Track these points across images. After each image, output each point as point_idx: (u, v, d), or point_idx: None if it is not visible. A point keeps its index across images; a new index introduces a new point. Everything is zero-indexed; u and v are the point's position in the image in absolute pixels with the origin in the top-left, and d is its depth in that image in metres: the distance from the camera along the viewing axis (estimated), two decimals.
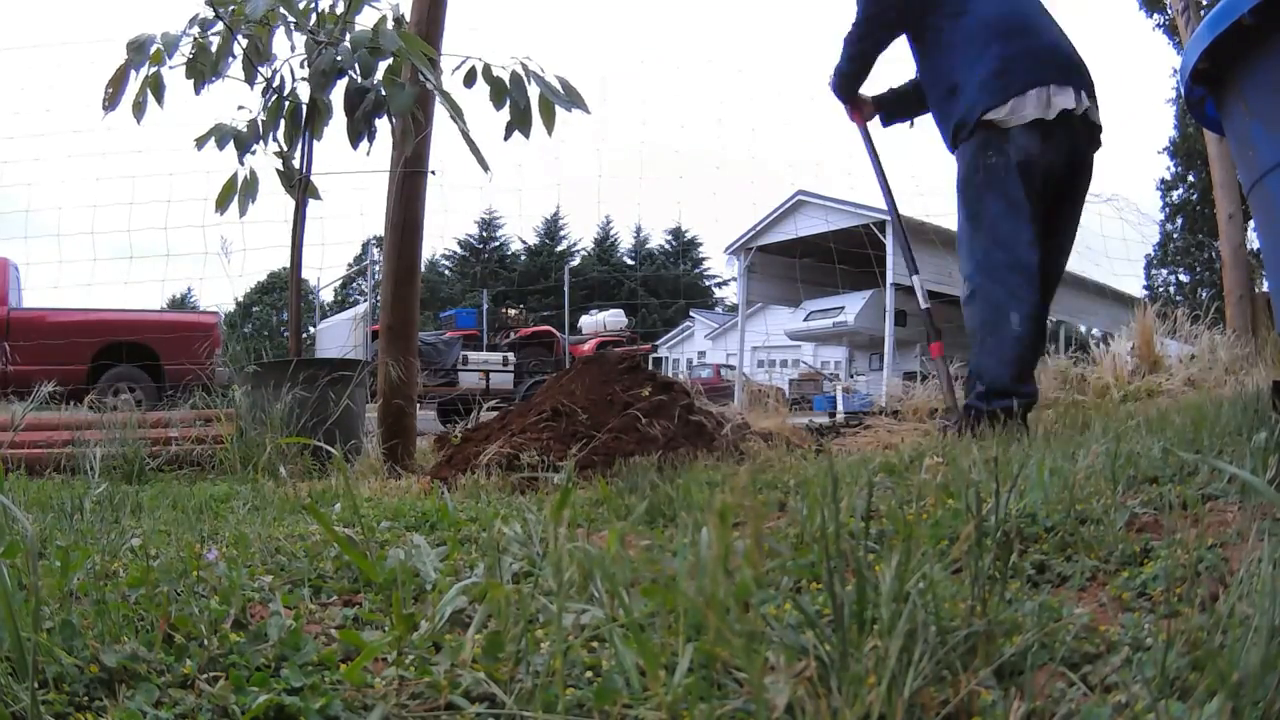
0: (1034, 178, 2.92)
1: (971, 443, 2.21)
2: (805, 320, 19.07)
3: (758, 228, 17.44)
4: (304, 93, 4.00)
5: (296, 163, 4.08)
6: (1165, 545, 1.11)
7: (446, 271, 42.53)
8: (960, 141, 3.06)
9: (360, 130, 3.90)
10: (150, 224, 6.32)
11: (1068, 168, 2.99)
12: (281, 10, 3.75)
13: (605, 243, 46.39)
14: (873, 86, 3.60)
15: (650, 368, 5.40)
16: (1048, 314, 3.10)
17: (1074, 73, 2.97)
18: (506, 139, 3.80)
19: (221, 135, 3.94)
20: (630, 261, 45.92)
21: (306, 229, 4.14)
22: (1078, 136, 2.97)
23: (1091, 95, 2.98)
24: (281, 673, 0.88)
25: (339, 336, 12.56)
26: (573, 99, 3.76)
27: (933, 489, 1.43)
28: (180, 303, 24.44)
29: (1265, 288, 5.89)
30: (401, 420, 4.00)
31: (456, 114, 3.61)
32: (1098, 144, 3.07)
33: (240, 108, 4.03)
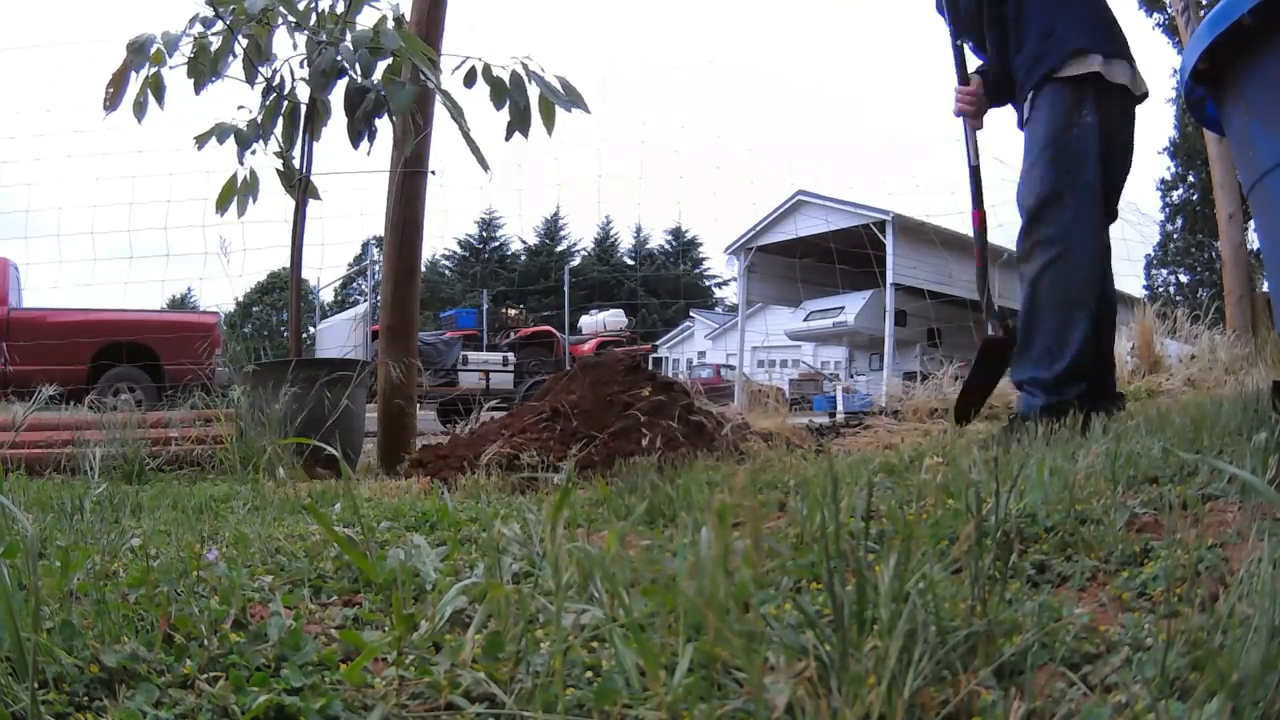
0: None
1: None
2: (805, 320, 19.07)
3: (758, 228, 17.44)
4: (304, 93, 4.01)
5: (296, 163, 4.08)
6: (1165, 545, 1.11)
7: (446, 271, 42.52)
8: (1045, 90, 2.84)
9: (360, 130, 3.90)
10: (150, 224, 6.33)
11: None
12: (281, 9, 3.76)
13: (605, 243, 46.39)
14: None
15: (650, 368, 5.40)
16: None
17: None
18: (508, 139, 3.80)
19: (223, 133, 3.94)
20: (630, 261, 45.92)
21: (306, 229, 4.15)
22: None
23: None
24: (281, 673, 0.88)
25: (339, 336, 12.56)
26: (573, 99, 3.77)
27: (933, 489, 1.43)
28: (180, 303, 24.44)
29: (1265, 288, 5.89)
30: (401, 420, 4.00)
31: (457, 114, 3.62)
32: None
33: (240, 107, 4.03)
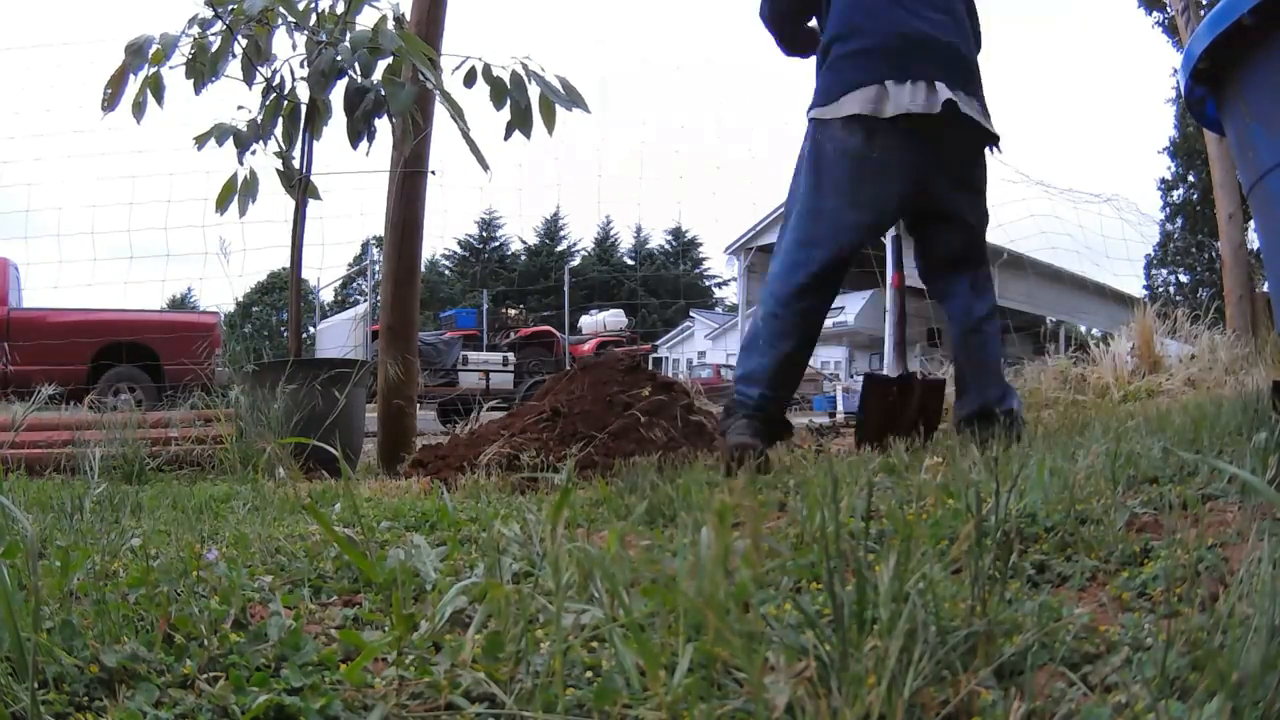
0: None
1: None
2: None
3: (758, 228, 17.44)
4: (304, 93, 4.00)
5: (296, 163, 4.08)
6: (1165, 545, 1.11)
7: (446, 271, 42.52)
8: None
9: (360, 130, 3.90)
10: (150, 224, 6.31)
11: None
12: (281, 10, 3.75)
13: (605, 243, 46.38)
14: None
15: (650, 368, 5.40)
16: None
17: (928, 64, 2.68)
18: (507, 139, 3.80)
19: (222, 134, 3.94)
20: (630, 261, 45.91)
21: (306, 229, 4.15)
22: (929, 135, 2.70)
23: (957, 85, 2.70)
24: (281, 673, 0.88)
25: (339, 336, 12.56)
26: (573, 99, 3.77)
27: (933, 489, 1.43)
28: (180, 303, 24.45)
29: (1265, 288, 5.89)
30: (401, 420, 4.00)
31: (457, 114, 3.62)
32: (976, 138, 2.79)
33: (240, 108, 4.03)
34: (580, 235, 49.21)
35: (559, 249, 43.94)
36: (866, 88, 2.70)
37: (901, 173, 2.74)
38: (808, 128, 2.85)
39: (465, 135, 3.61)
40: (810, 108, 2.84)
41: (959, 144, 2.80)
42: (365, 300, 13.13)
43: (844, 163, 2.74)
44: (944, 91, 2.67)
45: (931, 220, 2.92)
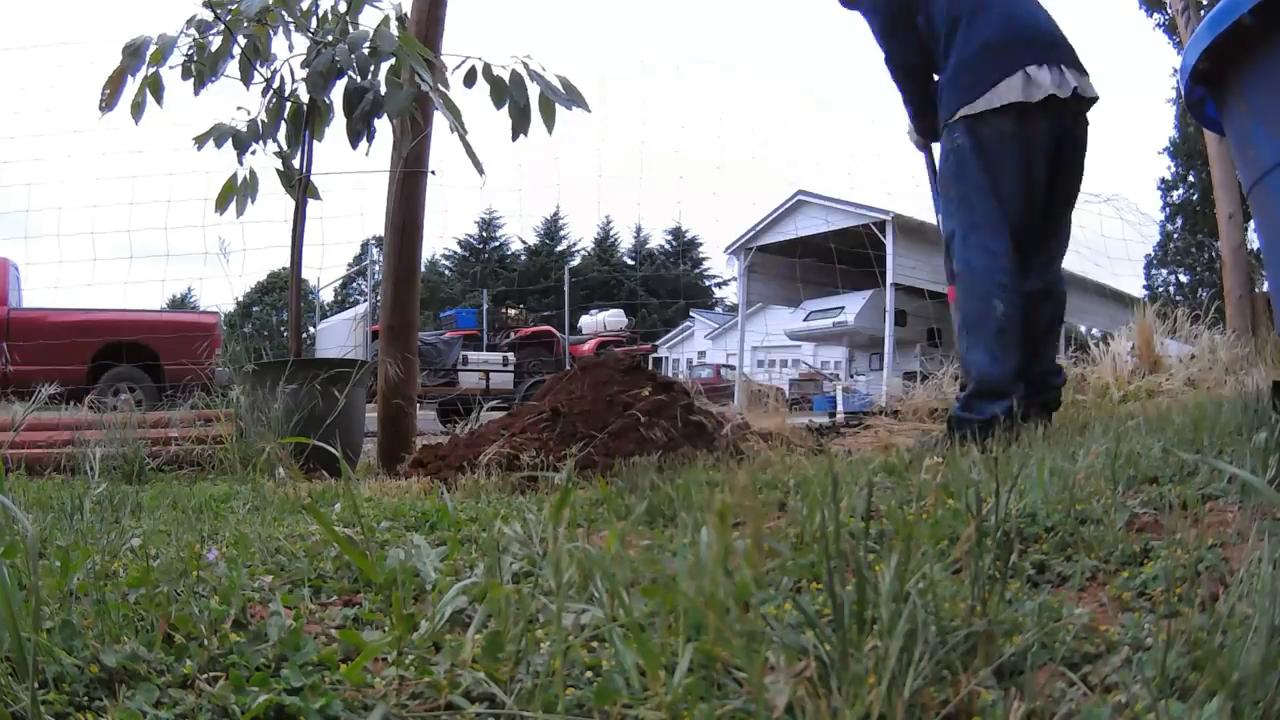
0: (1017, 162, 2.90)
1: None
2: (805, 320, 19.07)
3: (758, 228, 17.44)
4: (304, 93, 4.00)
5: (296, 163, 4.08)
6: (1165, 545, 1.11)
7: (446, 271, 42.49)
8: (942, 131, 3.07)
9: (359, 130, 3.90)
10: (150, 224, 6.33)
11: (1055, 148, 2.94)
12: (280, 11, 3.75)
13: (605, 243, 46.35)
14: None
15: (650, 368, 5.40)
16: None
17: (1054, 49, 2.89)
18: (514, 140, 3.80)
19: (220, 135, 3.94)
20: (630, 261, 45.89)
21: (306, 229, 4.14)
22: (1063, 117, 2.90)
23: (1078, 69, 2.90)
24: (281, 673, 0.88)
25: (339, 336, 12.56)
26: (573, 98, 3.76)
27: (933, 489, 1.43)
28: (180, 303, 24.44)
29: (1265, 288, 5.89)
30: (401, 420, 4.00)
31: (454, 116, 3.61)
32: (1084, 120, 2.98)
33: (239, 108, 4.03)
34: (580, 235, 49.13)
35: (559, 249, 43.91)
36: (1012, 76, 2.84)
37: (1044, 155, 2.89)
38: (955, 129, 2.95)
39: (462, 139, 3.60)
40: (957, 108, 2.93)
41: (1077, 126, 2.94)
42: (365, 300, 13.12)
43: (1009, 150, 2.88)
44: (1070, 77, 2.84)
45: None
